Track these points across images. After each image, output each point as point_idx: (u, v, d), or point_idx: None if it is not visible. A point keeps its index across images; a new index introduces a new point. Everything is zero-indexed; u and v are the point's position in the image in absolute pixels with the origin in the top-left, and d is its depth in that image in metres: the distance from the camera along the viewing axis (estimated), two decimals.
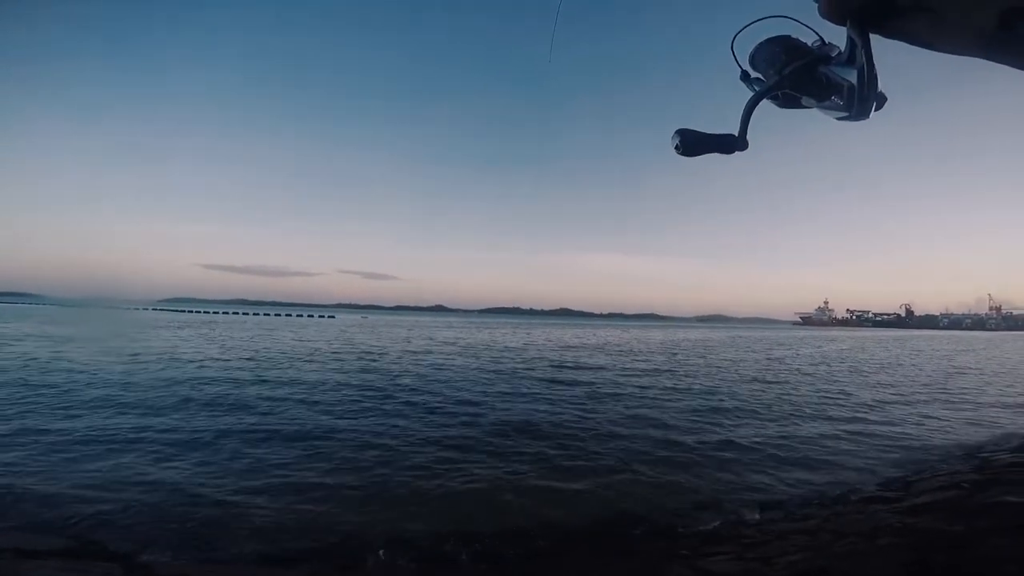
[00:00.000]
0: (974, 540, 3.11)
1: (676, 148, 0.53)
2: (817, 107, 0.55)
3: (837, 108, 0.52)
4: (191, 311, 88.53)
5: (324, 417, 7.53)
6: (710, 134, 0.54)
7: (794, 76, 0.55)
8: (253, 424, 6.96)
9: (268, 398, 8.90)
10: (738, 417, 8.29)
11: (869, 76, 0.47)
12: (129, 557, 3.29)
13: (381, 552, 3.49)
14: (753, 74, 0.61)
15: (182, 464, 5.19)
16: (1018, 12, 0.36)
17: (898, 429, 7.72)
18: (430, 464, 5.34)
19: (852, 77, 0.49)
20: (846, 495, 4.82)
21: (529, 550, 3.57)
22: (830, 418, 8.44)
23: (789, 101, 0.58)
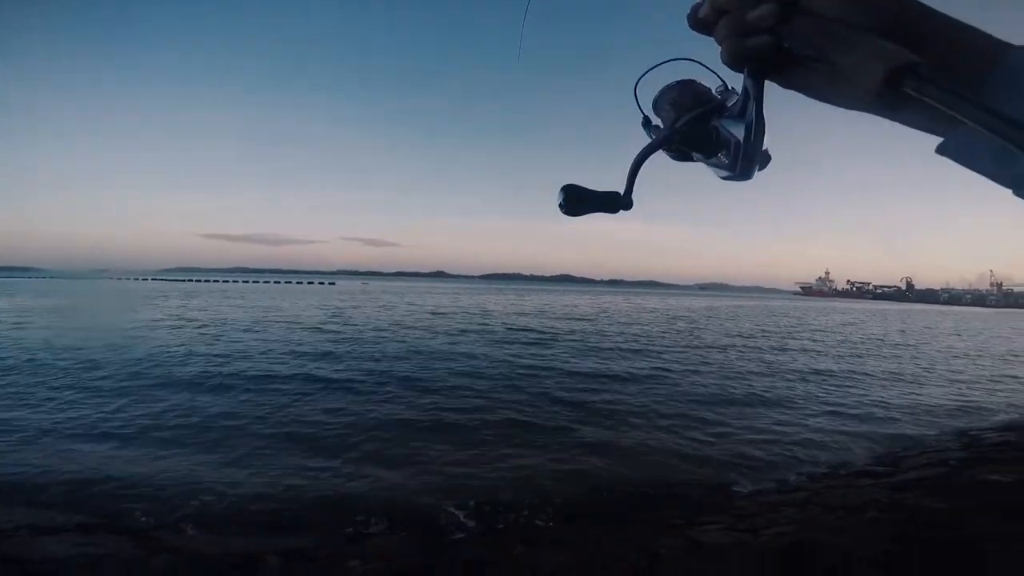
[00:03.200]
0: (958, 518, 3.20)
1: (560, 206, 0.50)
2: (705, 163, 0.52)
3: (723, 166, 0.49)
4: (188, 280, 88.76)
5: (334, 395, 7.65)
6: (595, 191, 0.50)
7: (686, 129, 0.51)
8: (250, 399, 7.09)
9: (277, 374, 9.03)
10: (732, 388, 8.42)
11: (756, 132, 0.45)
12: (140, 531, 3.38)
13: (381, 521, 3.59)
14: (655, 120, 0.57)
15: (184, 439, 5.28)
16: (906, 69, 0.35)
17: (890, 404, 7.84)
18: (421, 437, 5.44)
19: (740, 133, 0.46)
20: (836, 469, 4.94)
21: (525, 523, 3.68)
22: (822, 392, 8.57)
23: (681, 155, 0.55)
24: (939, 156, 0.43)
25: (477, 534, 3.49)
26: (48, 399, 6.42)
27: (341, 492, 4.09)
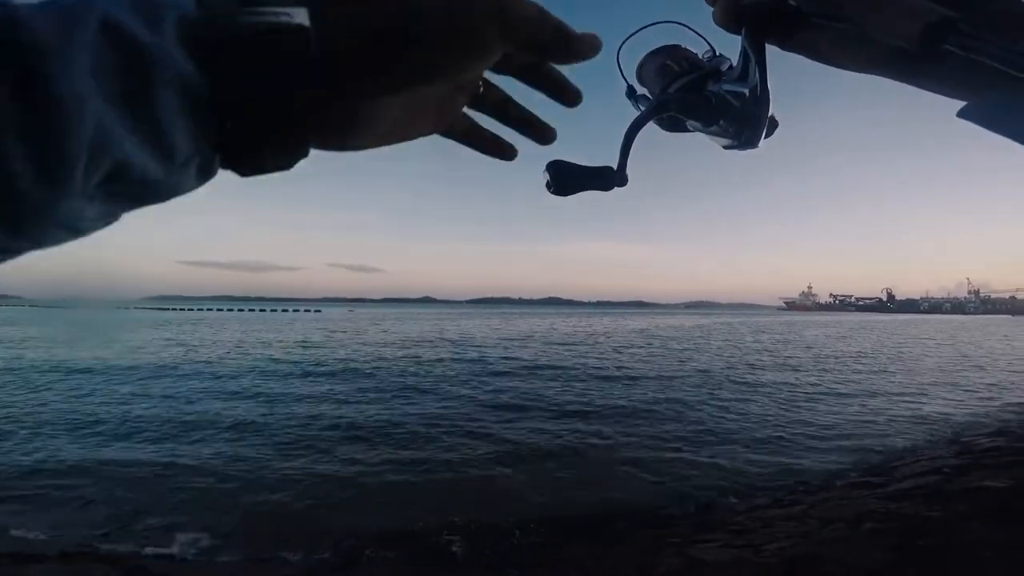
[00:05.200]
0: (954, 525, 3.21)
1: (547, 186, 0.44)
2: (703, 132, 0.48)
3: (725, 134, 0.46)
4: (174, 309, 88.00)
5: (315, 413, 7.53)
6: (585, 167, 0.45)
7: (679, 96, 0.47)
8: (240, 420, 6.95)
9: (260, 394, 8.87)
10: (725, 405, 8.43)
11: (762, 97, 0.42)
12: (126, 559, 3.30)
13: (373, 547, 3.52)
14: (640, 90, 0.53)
15: (170, 464, 5.18)
16: (947, 24, 0.32)
17: (882, 414, 7.89)
18: (417, 457, 5.38)
19: (741, 98, 0.43)
20: (832, 481, 4.93)
21: (519, 542, 3.62)
22: (813, 404, 8.61)
23: (675, 124, 0.50)
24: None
25: (470, 557, 3.43)
26: (38, 424, 6.23)
27: (332, 516, 4.02)
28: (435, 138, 0.39)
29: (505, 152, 0.44)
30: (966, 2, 0.35)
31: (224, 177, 0.28)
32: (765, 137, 0.46)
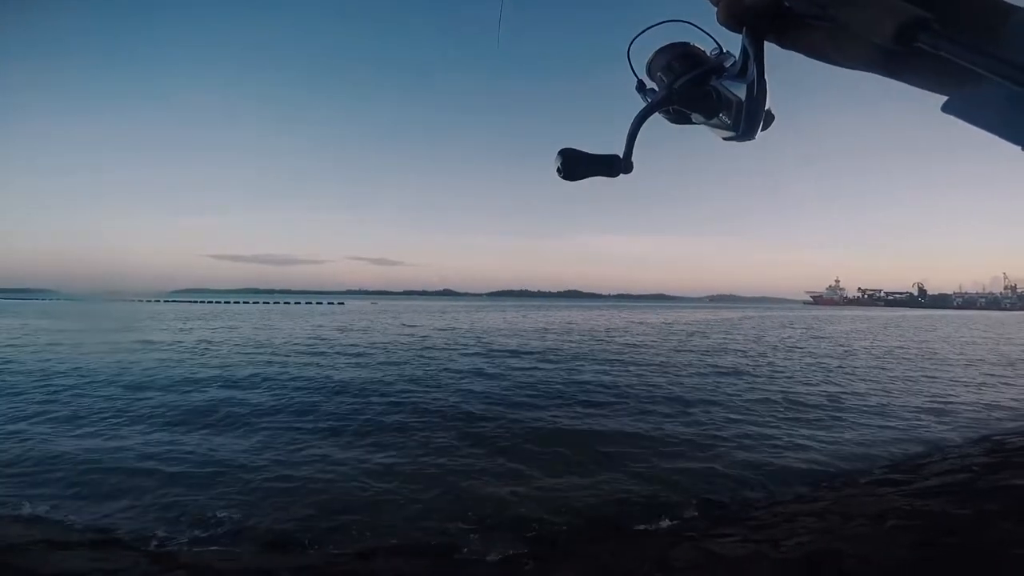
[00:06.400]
0: (983, 523, 3.12)
1: (558, 171, 0.49)
2: (705, 124, 0.52)
3: (724, 126, 0.49)
4: (200, 301, 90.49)
5: (344, 410, 7.64)
6: (593, 155, 0.50)
7: (684, 90, 0.51)
8: (264, 421, 7.09)
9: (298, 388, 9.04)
10: (745, 400, 8.31)
11: (759, 91, 0.45)
12: (154, 547, 3.41)
13: (390, 540, 3.58)
14: (649, 84, 0.56)
15: (198, 457, 5.33)
16: (918, 23, 0.34)
17: (910, 413, 7.69)
18: (432, 455, 5.41)
19: (742, 92, 0.46)
20: (855, 478, 4.84)
21: (537, 538, 3.64)
22: (840, 402, 8.43)
23: (680, 117, 0.54)
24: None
25: (487, 550, 3.44)
26: (69, 419, 6.46)
27: (350, 510, 4.07)
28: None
29: None
30: (939, 1, 0.38)
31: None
32: (762, 130, 0.49)
